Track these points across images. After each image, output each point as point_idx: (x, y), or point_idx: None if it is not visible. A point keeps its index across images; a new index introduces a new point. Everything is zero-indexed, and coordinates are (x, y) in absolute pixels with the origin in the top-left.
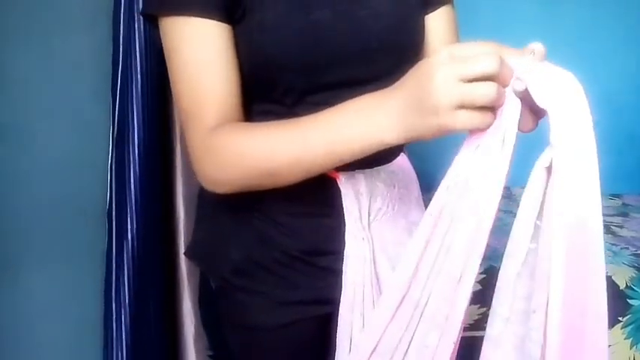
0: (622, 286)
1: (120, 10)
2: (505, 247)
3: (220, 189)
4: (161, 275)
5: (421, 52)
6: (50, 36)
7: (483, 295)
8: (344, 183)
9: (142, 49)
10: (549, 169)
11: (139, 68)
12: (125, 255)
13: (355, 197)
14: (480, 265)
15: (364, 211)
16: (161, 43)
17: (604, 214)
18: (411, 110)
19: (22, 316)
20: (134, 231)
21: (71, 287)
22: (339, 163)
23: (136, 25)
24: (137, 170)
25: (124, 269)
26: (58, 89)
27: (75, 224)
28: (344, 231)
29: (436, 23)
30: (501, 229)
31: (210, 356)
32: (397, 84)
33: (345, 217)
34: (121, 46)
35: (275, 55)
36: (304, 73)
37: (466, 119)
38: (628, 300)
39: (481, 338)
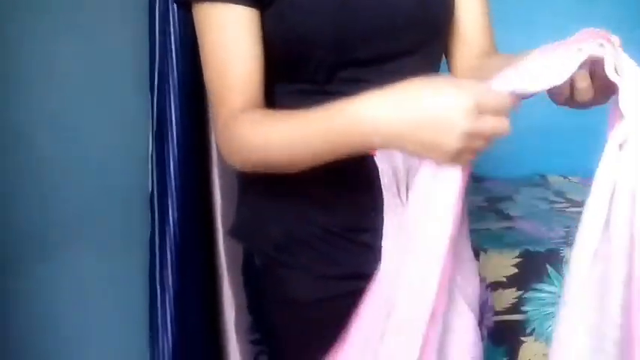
0: None
1: (155, 6)
2: (540, 233)
3: (240, 168)
4: (202, 261)
5: (449, 27)
6: (94, 33)
7: (519, 278)
8: (381, 159)
9: (178, 46)
10: (622, 147)
11: (174, 64)
12: (167, 240)
13: (393, 173)
14: (516, 249)
15: (402, 187)
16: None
17: None
18: (414, 136)
19: (72, 298)
20: (175, 217)
21: (118, 271)
22: (338, 157)
23: (171, 22)
24: (176, 160)
25: (166, 254)
26: (102, 85)
27: (120, 212)
28: (382, 207)
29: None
30: (536, 214)
31: (251, 341)
32: (413, 99)
33: (383, 193)
34: (157, 43)
35: (307, 33)
36: (336, 50)
37: (463, 162)
38: None
39: (516, 322)
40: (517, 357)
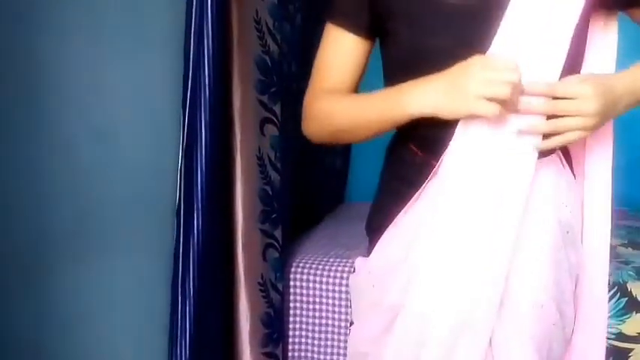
0: None
1: (190, 30)
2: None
3: (311, 137)
4: (221, 272)
5: None
6: (136, 53)
7: None
8: None
9: (210, 65)
10: None
11: (206, 81)
12: (191, 251)
13: None
14: None
15: None
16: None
17: None
18: (445, 92)
19: (96, 303)
20: (199, 230)
21: (142, 278)
22: (388, 126)
23: (205, 44)
24: (204, 174)
25: (189, 264)
26: (138, 99)
27: (148, 221)
28: None
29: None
30: None
31: (263, 353)
32: (441, 73)
33: None
34: (191, 63)
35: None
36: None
37: (484, 107)
38: None
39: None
40: None
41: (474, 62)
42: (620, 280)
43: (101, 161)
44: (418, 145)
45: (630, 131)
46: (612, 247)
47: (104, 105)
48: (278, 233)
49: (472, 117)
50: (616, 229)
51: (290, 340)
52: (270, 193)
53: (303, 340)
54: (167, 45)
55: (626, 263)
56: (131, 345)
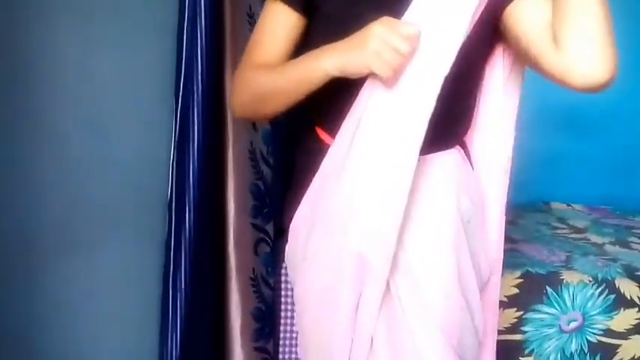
0: None
1: (184, 21)
2: (541, 255)
3: (235, 109)
4: (213, 266)
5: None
6: (126, 45)
7: (519, 299)
8: None
9: (203, 59)
10: None
11: (199, 75)
12: (183, 244)
13: None
14: (517, 270)
15: None
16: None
17: None
18: (351, 48)
19: (87, 294)
20: (191, 223)
21: (133, 271)
22: (306, 90)
23: (198, 36)
24: (196, 167)
25: (181, 258)
26: (129, 90)
27: (139, 214)
28: None
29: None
30: (538, 239)
31: (255, 348)
32: (355, 33)
33: None
34: (184, 54)
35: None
36: None
37: (378, 65)
38: None
39: (516, 341)
40: None
41: (380, 22)
42: (609, 277)
43: (91, 153)
44: (324, 125)
45: (613, 133)
46: (599, 246)
47: (94, 96)
48: (270, 228)
49: (373, 83)
50: (603, 227)
51: (281, 335)
52: (262, 187)
53: (295, 335)
54: (159, 36)
55: (614, 261)
56: (121, 338)
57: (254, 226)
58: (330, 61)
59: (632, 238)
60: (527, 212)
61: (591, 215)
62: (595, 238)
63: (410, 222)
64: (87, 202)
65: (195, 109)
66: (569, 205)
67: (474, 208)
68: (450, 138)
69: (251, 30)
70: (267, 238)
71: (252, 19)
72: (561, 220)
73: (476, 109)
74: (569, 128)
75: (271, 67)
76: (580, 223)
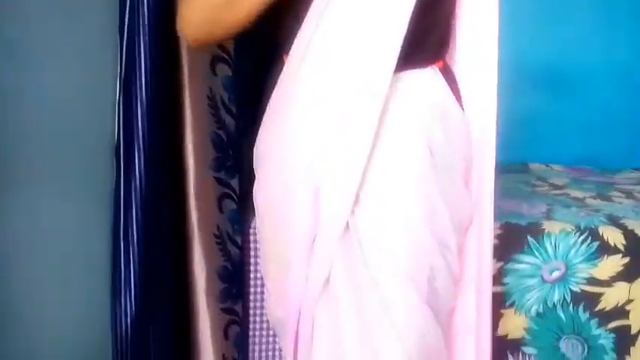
0: None
1: None
2: (521, 209)
3: (185, 29)
4: (171, 220)
5: None
6: None
7: (499, 250)
8: None
9: None
10: None
11: (145, 6)
12: (133, 194)
13: None
14: (497, 220)
15: None
16: None
17: (627, 184)
18: None
19: (27, 248)
20: (141, 170)
21: (79, 221)
22: None
23: None
24: (144, 109)
25: (132, 208)
26: (66, 23)
27: (85, 157)
28: None
29: None
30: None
31: (222, 309)
32: None
33: None
34: None
35: None
36: None
37: None
38: None
39: (496, 294)
40: (497, 330)
41: None
42: (592, 225)
43: (23, 82)
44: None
45: (591, 93)
46: (580, 200)
47: (27, 24)
48: (235, 183)
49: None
50: (583, 184)
51: (251, 297)
52: (225, 138)
53: (265, 296)
54: None
55: (597, 211)
56: (66, 296)
57: (217, 179)
58: None
59: (614, 192)
60: (505, 173)
61: (571, 174)
62: (576, 193)
63: (374, 150)
64: (24, 138)
65: (142, 44)
66: (548, 166)
67: (449, 144)
68: (423, 51)
69: None
70: (232, 194)
71: None
72: (541, 179)
73: (454, 24)
74: (547, 88)
75: None
76: (560, 181)
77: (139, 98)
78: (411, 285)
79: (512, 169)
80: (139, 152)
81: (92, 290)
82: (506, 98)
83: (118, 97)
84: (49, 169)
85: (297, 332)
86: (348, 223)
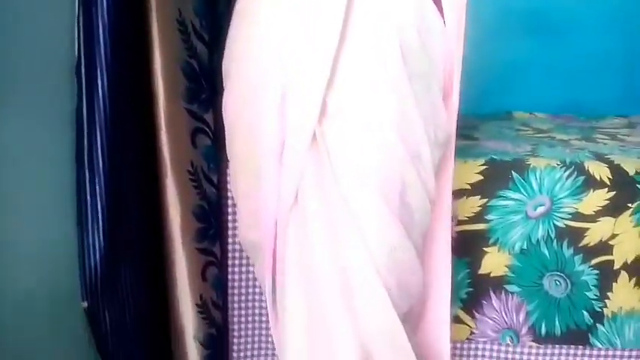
0: (631, 173)
1: None
2: (506, 148)
3: None
4: (139, 150)
5: None
6: None
7: (483, 186)
8: None
9: None
10: None
11: None
12: (97, 118)
13: None
14: (481, 157)
15: None
16: None
17: (611, 129)
18: None
19: None
20: (105, 92)
21: (40, 145)
22: None
23: None
24: (106, 25)
25: (96, 133)
26: None
27: (43, 78)
28: None
29: None
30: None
31: (199, 249)
32: None
33: None
34: None
35: None
36: None
37: None
38: (637, 186)
39: (479, 231)
40: (479, 268)
41: None
42: (577, 160)
43: None
44: None
45: (575, 39)
46: (566, 141)
47: None
48: (209, 118)
49: None
50: (569, 129)
51: (230, 240)
52: (197, 67)
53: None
54: None
55: (581, 149)
56: (29, 226)
57: (189, 112)
58: None
59: (598, 135)
60: (489, 120)
61: (555, 121)
62: (560, 136)
63: (341, 48)
64: None
65: None
66: (532, 114)
67: (424, 52)
68: None
69: None
70: (206, 129)
71: None
72: (525, 125)
73: None
74: (530, 34)
75: None
76: (544, 127)
77: (100, 13)
78: (381, 198)
79: (496, 117)
80: (101, 73)
81: (55, 218)
82: (489, 46)
83: (77, 13)
84: (6, 85)
85: (274, 252)
86: (315, 133)
